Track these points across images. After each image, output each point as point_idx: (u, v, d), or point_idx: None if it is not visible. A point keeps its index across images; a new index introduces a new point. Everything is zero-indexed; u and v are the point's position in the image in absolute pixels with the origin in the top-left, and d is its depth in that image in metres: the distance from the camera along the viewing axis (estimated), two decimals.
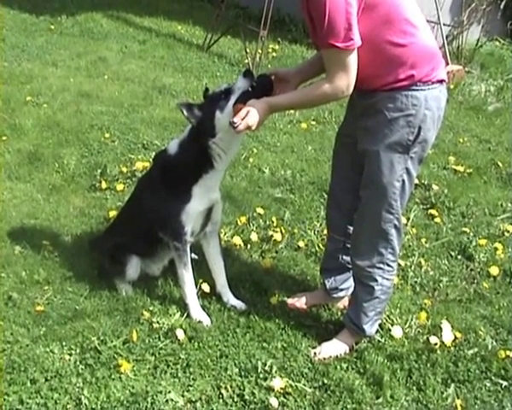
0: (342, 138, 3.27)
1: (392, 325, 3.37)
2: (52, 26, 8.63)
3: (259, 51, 7.79)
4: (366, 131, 2.94)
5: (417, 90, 2.79)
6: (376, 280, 3.10)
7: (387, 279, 3.13)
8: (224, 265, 3.57)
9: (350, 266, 3.35)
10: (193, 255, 3.75)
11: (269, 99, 2.95)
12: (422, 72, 2.78)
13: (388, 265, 3.09)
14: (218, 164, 3.25)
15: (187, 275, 3.38)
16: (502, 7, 9.07)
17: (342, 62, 2.69)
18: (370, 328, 3.21)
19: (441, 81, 2.87)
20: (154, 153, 3.99)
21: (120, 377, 2.92)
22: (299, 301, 3.55)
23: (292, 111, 6.45)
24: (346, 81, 2.73)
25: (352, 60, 2.70)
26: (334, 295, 3.50)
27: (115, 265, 3.53)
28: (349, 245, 3.29)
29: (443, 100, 2.91)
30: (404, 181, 2.93)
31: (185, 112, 3.14)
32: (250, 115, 2.86)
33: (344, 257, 3.39)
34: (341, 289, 3.48)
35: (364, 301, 3.16)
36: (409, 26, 2.76)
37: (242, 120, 2.86)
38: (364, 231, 3.09)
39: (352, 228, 3.24)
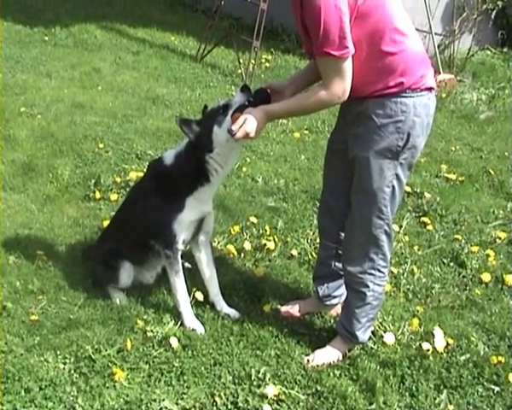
0: (333, 145, 3.29)
1: (384, 332, 3.39)
2: (46, 38, 8.64)
3: (252, 61, 7.82)
4: (356, 138, 2.97)
5: (406, 96, 2.82)
6: (368, 286, 3.12)
7: (379, 285, 3.15)
8: (216, 274, 3.58)
9: (342, 273, 3.36)
10: (186, 264, 3.79)
11: (265, 107, 2.98)
12: (412, 79, 2.82)
13: (379, 271, 3.12)
14: (214, 178, 3.28)
15: (179, 283, 3.40)
16: (493, 16, 9.14)
17: (338, 69, 2.73)
18: (363, 334, 3.23)
19: (430, 89, 2.91)
20: (147, 163, 4.01)
21: (114, 386, 2.93)
22: (293, 309, 3.56)
23: (285, 121, 6.49)
24: (342, 87, 2.76)
25: (348, 67, 2.73)
26: (327, 303, 3.52)
27: (108, 271, 3.55)
28: (341, 252, 3.31)
29: (432, 107, 2.94)
30: (393, 187, 2.96)
31: (184, 127, 3.17)
32: (248, 122, 2.89)
33: (336, 264, 3.41)
34: (334, 297, 3.50)
35: (356, 308, 3.18)
36: (398, 35, 2.80)
37: (240, 127, 2.89)
38: (355, 238, 3.11)
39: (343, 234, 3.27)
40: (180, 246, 3.37)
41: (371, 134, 2.89)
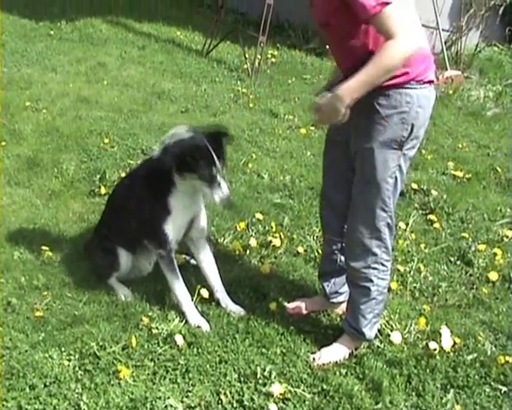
0: (333, 138, 3.25)
1: (391, 331, 3.36)
2: (51, 32, 8.64)
3: (258, 57, 7.80)
4: (359, 130, 2.94)
5: (411, 88, 2.81)
6: (372, 281, 3.10)
7: (382, 279, 3.13)
8: (218, 270, 3.56)
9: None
10: (192, 261, 3.77)
11: (338, 88, 2.77)
12: (416, 71, 2.80)
13: (383, 264, 3.10)
14: (182, 188, 3.27)
15: (177, 282, 3.39)
16: (500, 12, 9.09)
17: (399, 17, 2.59)
18: (370, 331, 3.21)
19: (431, 82, 2.91)
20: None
21: (119, 383, 2.92)
22: (298, 307, 3.54)
23: (291, 116, 6.48)
24: (410, 33, 2.62)
25: (400, 12, 2.60)
26: (334, 300, 3.49)
27: (106, 256, 3.57)
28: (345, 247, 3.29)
29: (432, 99, 2.95)
30: (396, 178, 2.96)
31: (162, 152, 3.21)
32: (324, 110, 2.79)
33: (342, 258, 3.38)
34: (341, 293, 3.48)
35: (361, 304, 3.16)
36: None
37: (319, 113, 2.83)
38: (358, 231, 3.07)
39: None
40: (173, 246, 3.37)
41: (376, 125, 2.87)
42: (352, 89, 2.73)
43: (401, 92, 2.81)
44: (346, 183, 3.10)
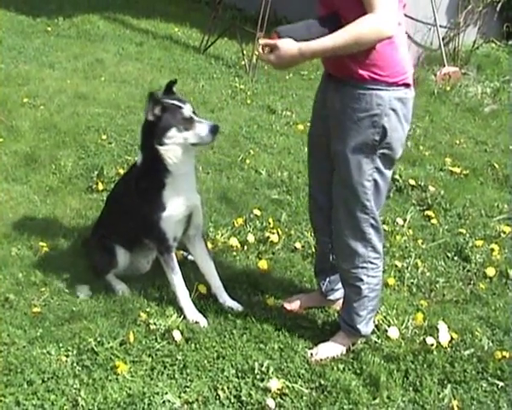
0: (315, 139, 3.23)
1: (388, 326, 3.37)
2: (49, 28, 8.63)
3: (256, 53, 7.79)
4: (334, 132, 2.94)
5: (382, 89, 2.76)
6: (362, 280, 3.09)
7: (373, 277, 3.11)
8: (215, 266, 3.56)
9: None
10: (189, 257, 3.77)
11: (302, 43, 2.73)
12: (388, 72, 2.75)
13: (371, 262, 3.08)
14: (173, 168, 3.23)
15: (176, 279, 3.39)
16: (498, 9, 9.08)
17: None
18: (365, 327, 3.21)
19: (407, 85, 2.84)
20: None
21: (117, 379, 2.92)
22: (296, 303, 3.55)
23: (288, 113, 6.47)
24: (390, 13, 2.58)
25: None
26: (331, 297, 3.50)
27: (104, 254, 3.58)
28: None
29: (408, 102, 2.87)
30: (376, 180, 2.91)
31: (150, 104, 3.13)
32: (277, 52, 2.73)
33: (334, 256, 3.38)
34: (337, 290, 3.48)
35: (354, 302, 3.16)
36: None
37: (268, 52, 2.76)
38: (342, 233, 3.06)
39: None
40: (172, 243, 3.37)
41: (348, 129, 2.85)
42: (316, 49, 2.71)
43: (371, 94, 2.77)
44: (330, 184, 3.08)
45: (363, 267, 3.08)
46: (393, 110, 2.80)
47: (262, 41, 2.79)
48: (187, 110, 3.18)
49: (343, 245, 3.09)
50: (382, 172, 2.92)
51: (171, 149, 3.17)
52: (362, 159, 2.86)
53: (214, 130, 3.18)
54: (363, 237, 3.02)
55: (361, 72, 2.76)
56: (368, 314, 3.20)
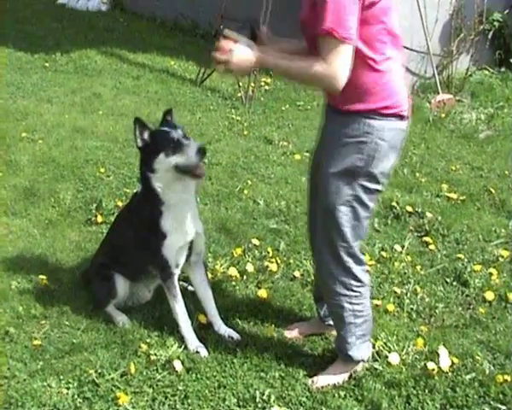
0: (314, 161, 3.25)
1: (389, 352, 3.37)
2: (47, 64, 8.71)
3: (252, 85, 7.87)
4: (323, 154, 2.97)
5: (373, 118, 2.78)
6: (343, 307, 3.06)
7: (357, 304, 3.08)
8: (212, 294, 3.57)
9: None
10: (189, 287, 3.78)
11: (261, 51, 2.80)
12: (381, 102, 2.77)
13: (353, 290, 3.04)
14: (166, 199, 3.24)
15: (178, 307, 3.40)
16: (490, 37, 9.19)
17: (339, 52, 2.60)
18: (357, 352, 3.17)
19: (401, 116, 2.84)
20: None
21: None
22: (296, 331, 3.55)
23: (285, 143, 6.52)
24: (342, 69, 2.62)
25: (349, 54, 2.62)
26: (330, 322, 3.49)
27: (103, 283, 3.58)
28: None
29: (400, 134, 2.88)
30: (354, 208, 2.89)
31: (137, 130, 3.17)
32: (235, 54, 2.76)
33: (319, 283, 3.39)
34: None
35: (341, 329, 3.15)
36: (385, 57, 2.76)
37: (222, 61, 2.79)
38: (323, 258, 3.05)
39: None
40: (174, 270, 3.37)
41: (334, 152, 2.87)
42: (267, 61, 2.81)
43: (360, 121, 2.79)
44: None
45: (344, 295, 3.05)
46: (382, 140, 2.80)
47: (217, 53, 2.79)
48: (175, 134, 3.20)
49: (325, 270, 3.08)
50: (363, 202, 2.90)
51: (162, 176, 3.19)
52: (341, 183, 2.86)
53: (201, 150, 3.15)
54: (343, 264, 3.00)
55: (351, 105, 2.79)
56: (357, 340, 3.16)
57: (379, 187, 2.94)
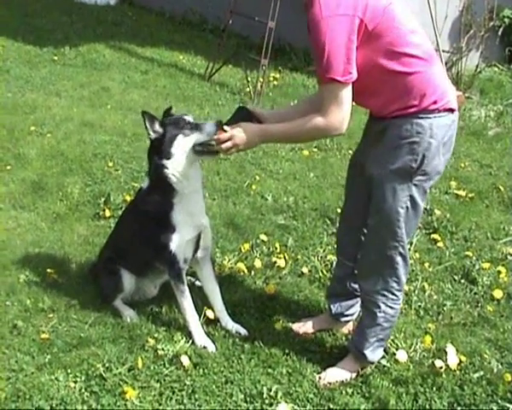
0: (355, 163, 3.27)
1: (396, 350, 3.36)
2: (55, 58, 8.72)
3: (261, 80, 7.86)
4: (373, 157, 2.97)
5: (422, 117, 2.80)
6: (379, 307, 3.09)
7: (391, 307, 3.11)
8: (219, 289, 3.57)
9: (357, 294, 3.36)
10: (197, 282, 3.78)
11: (262, 125, 2.98)
12: (428, 100, 2.79)
13: (393, 293, 3.08)
14: (180, 187, 3.24)
15: (186, 302, 3.39)
16: (500, 33, 9.16)
17: (337, 97, 2.72)
18: (372, 354, 3.19)
19: (450, 110, 2.87)
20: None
21: (126, 404, 2.91)
22: (304, 327, 3.55)
23: None
24: (340, 117, 2.75)
25: (348, 94, 2.73)
26: (341, 319, 3.50)
27: (110, 277, 3.59)
28: (356, 270, 3.29)
29: (450, 128, 2.90)
30: (408, 208, 2.92)
31: (147, 122, 3.17)
32: (237, 136, 2.92)
33: (352, 284, 3.39)
34: (346, 315, 3.49)
35: (367, 327, 3.16)
36: (411, 57, 2.78)
37: (224, 142, 2.94)
38: (370, 257, 3.09)
39: None
40: (182, 265, 3.37)
41: (386, 154, 2.89)
42: (270, 133, 2.97)
43: (412, 122, 2.81)
44: (365, 208, 3.09)
45: (383, 295, 3.08)
46: (433, 138, 2.82)
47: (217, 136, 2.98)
48: (187, 117, 3.25)
49: (369, 267, 3.10)
50: (416, 201, 2.93)
51: (179, 161, 3.18)
52: (397, 185, 2.88)
53: (218, 123, 3.14)
54: (391, 264, 3.02)
55: (399, 111, 2.83)
56: (376, 342, 3.18)
57: (429, 184, 2.97)
